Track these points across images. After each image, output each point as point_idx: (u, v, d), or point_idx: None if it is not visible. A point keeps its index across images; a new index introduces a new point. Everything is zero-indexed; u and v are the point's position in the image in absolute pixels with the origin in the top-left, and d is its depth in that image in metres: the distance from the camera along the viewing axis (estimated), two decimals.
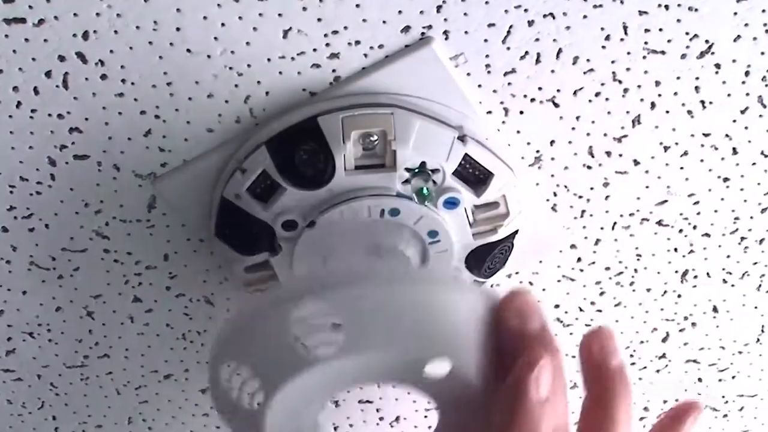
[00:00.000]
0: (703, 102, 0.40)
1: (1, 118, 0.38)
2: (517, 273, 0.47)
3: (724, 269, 0.47)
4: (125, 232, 0.43)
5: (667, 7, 0.37)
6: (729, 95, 0.40)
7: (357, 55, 0.38)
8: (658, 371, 0.53)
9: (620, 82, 0.39)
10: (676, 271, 0.47)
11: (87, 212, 0.42)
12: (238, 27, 0.36)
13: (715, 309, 0.50)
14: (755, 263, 0.47)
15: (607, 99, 0.40)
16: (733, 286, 0.48)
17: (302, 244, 0.40)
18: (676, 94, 0.40)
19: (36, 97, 0.38)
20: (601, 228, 0.45)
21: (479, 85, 0.39)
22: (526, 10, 0.37)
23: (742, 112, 0.41)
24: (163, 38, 0.36)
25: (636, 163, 0.43)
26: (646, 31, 0.38)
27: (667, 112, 0.41)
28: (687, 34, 0.38)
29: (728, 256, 0.47)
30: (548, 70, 0.39)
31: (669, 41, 0.38)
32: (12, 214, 0.42)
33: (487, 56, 0.38)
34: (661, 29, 0.38)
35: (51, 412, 0.52)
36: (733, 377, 0.53)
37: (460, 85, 0.38)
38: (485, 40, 0.38)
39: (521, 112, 0.40)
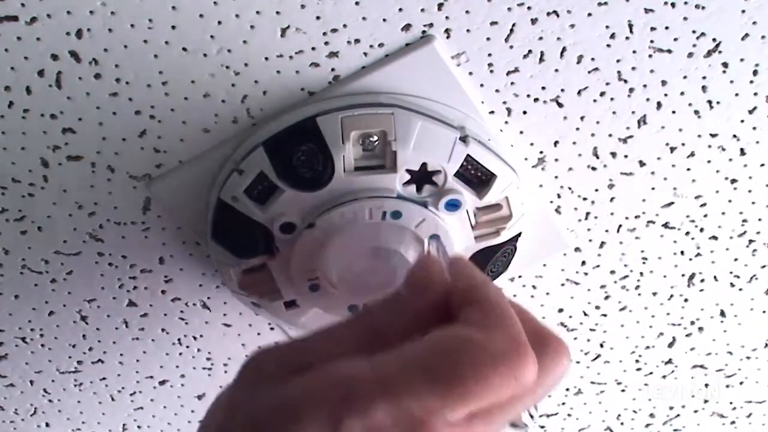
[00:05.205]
0: (710, 102, 0.40)
1: None
2: (520, 277, 0.46)
3: (731, 273, 0.47)
4: (119, 234, 0.43)
5: (673, 4, 0.36)
6: (737, 95, 0.40)
7: (357, 53, 0.37)
8: (664, 377, 0.52)
9: (626, 81, 0.39)
10: (683, 275, 0.47)
11: (80, 214, 0.42)
12: (235, 25, 0.36)
13: (722, 313, 0.49)
14: (763, 266, 0.47)
15: (612, 99, 0.39)
16: (740, 290, 0.48)
17: (300, 247, 0.39)
18: (682, 93, 0.40)
19: (28, 97, 0.37)
20: (606, 231, 0.45)
21: (481, 85, 0.38)
22: (529, 8, 0.36)
23: (750, 112, 0.40)
24: (159, 36, 0.36)
25: (642, 164, 0.42)
26: (652, 29, 0.37)
27: (674, 112, 0.40)
28: (694, 32, 0.37)
29: (736, 260, 0.46)
30: (552, 69, 0.38)
31: (675, 40, 0.38)
32: (4, 216, 0.41)
33: (489, 55, 0.38)
34: (667, 27, 0.37)
35: (44, 419, 0.52)
36: (741, 383, 0.53)
37: (462, 85, 0.38)
38: (488, 39, 0.37)
39: (524, 112, 0.40)
